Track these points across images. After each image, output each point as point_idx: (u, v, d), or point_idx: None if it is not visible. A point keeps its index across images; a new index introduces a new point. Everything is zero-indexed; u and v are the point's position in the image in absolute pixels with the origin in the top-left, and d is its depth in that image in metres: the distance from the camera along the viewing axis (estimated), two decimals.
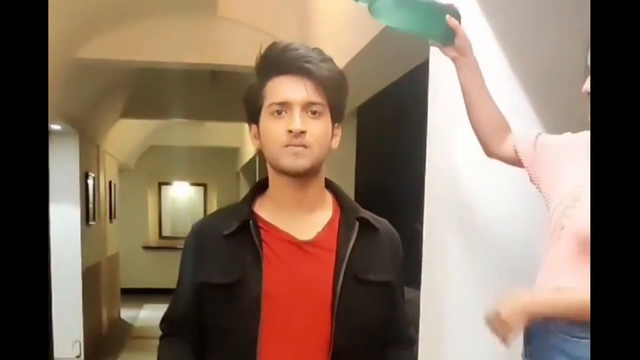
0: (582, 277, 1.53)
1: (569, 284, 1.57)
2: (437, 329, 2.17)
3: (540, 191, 1.79)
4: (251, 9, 4.97)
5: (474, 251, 2.11)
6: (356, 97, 4.24)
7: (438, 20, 1.76)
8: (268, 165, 1.49)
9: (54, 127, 6.27)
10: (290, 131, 1.39)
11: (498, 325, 1.57)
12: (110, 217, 9.42)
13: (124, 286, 10.69)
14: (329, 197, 1.54)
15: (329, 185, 1.55)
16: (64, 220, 6.59)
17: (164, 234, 13.23)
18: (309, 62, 1.41)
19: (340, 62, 3.34)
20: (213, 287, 1.45)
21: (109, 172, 9.17)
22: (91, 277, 7.65)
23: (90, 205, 7.59)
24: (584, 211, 1.56)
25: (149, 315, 9.84)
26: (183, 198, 13.37)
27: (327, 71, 1.42)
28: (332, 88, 1.43)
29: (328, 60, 1.45)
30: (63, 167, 6.61)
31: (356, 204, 1.58)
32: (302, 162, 1.41)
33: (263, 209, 1.51)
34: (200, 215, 11.04)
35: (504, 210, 2.10)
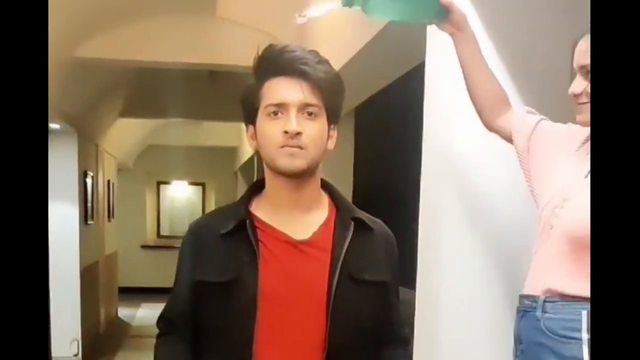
0: (572, 276, 1.55)
1: (559, 283, 1.58)
2: (432, 329, 2.19)
3: (529, 186, 1.79)
4: (250, 10, 4.98)
5: (470, 251, 2.12)
6: (354, 98, 4.25)
7: (430, 1, 1.76)
8: (264, 166, 1.51)
9: (53, 126, 6.28)
10: (286, 132, 1.41)
11: None
12: (109, 216, 9.42)
13: (121, 285, 10.70)
14: (324, 198, 1.55)
15: (325, 185, 1.57)
16: (62, 219, 6.59)
17: (162, 233, 13.25)
18: (305, 64, 1.43)
19: (339, 63, 3.38)
20: (210, 285, 1.47)
21: (107, 171, 9.18)
22: (89, 276, 7.66)
23: (89, 204, 7.59)
24: (573, 211, 1.57)
25: (146, 314, 9.84)
26: (181, 197, 13.38)
27: (323, 73, 1.44)
28: (328, 90, 1.45)
29: (324, 62, 1.46)
30: (62, 166, 6.61)
31: (351, 204, 1.59)
32: (298, 162, 1.42)
33: (259, 209, 1.52)
34: (198, 215, 11.02)
35: (500, 211, 2.11)
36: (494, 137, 2.03)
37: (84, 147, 7.30)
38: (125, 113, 8.34)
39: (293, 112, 1.42)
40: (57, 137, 6.48)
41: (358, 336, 1.49)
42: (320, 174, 1.53)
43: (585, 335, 1.51)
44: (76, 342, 7.13)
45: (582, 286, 1.53)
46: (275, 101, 1.43)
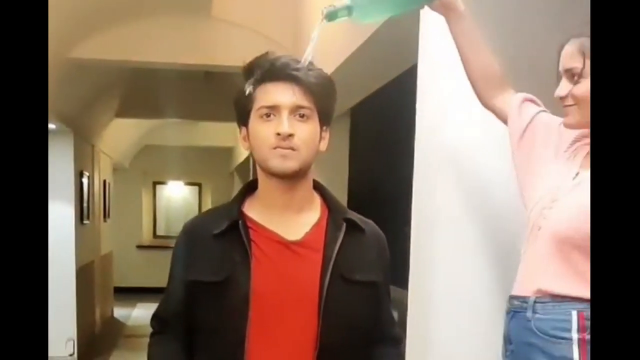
0: (562, 277, 1.57)
1: (549, 284, 1.60)
2: (424, 329, 2.20)
3: (518, 183, 1.80)
4: (245, 11, 5.00)
5: (462, 251, 2.13)
6: (349, 99, 4.26)
7: None
8: (257, 167, 1.53)
9: (49, 126, 6.28)
10: (278, 134, 1.43)
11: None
12: (105, 216, 9.42)
13: (117, 285, 10.70)
14: (317, 199, 1.57)
15: (317, 186, 1.59)
16: (58, 218, 6.59)
17: (158, 233, 13.23)
18: (297, 70, 1.45)
19: (334, 64, 3.39)
20: (203, 285, 1.49)
21: (103, 171, 9.19)
22: (85, 275, 7.66)
23: (85, 204, 7.60)
24: (560, 212, 1.59)
25: (142, 314, 9.84)
26: (178, 197, 13.37)
27: (314, 78, 1.46)
28: (320, 93, 1.47)
29: (315, 69, 1.49)
30: (58, 165, 6.61)
31: (343, 205, 1.62)
32: (289, 164, 1.45)
33: (252, 210, 1.54)
34: (194, 215, 11.03)
35: (492, 211, 2.12)
36: (487, 137, 2.05)
37: (80, 147, 7.31)
38: (121, 113, 8.34)
39: (285, 114, 1.44)
40: (53, 137, 6.47)
41: (349, 335, 1.50)
42: (313, 175, 1.55)
43: (575, 335, 1.53)
44: (72, 342, 7.13)
45: (572, 286, 1.55)
46: (267, 103, 1.45)
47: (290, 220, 1.52)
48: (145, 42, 5.23)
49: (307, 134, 1.46)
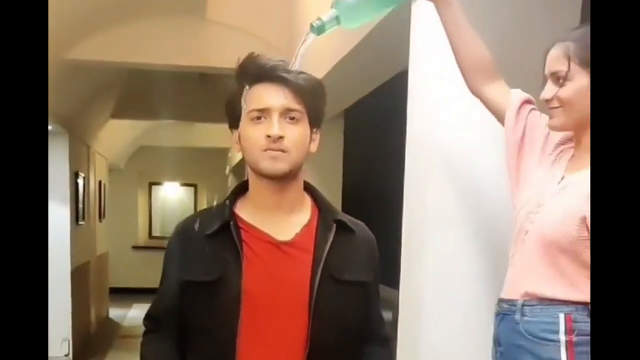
0: (549, 280, 1.59)
1: (536, 287, 1.62)
2: (415, 329, 2.21)
3: (509, 182, 1.80)
4: (240, 13, 5.01)
5: (453, 252, 2.14)
6: (343, 101, 4.28)
7: None
8: (248, 168, 1.55)
9: None
10: (268, 136, 1.45)
11: None
12: (100, 217, 9.43)
13: (113, 285, 10.70)
14: (307, 200, 1.60)
15: (308, 188, 1.61)
16: (53, 219, 6.56)
17: (154, 234, 13.22)
18: (287, 72, 1.48)
19: (327, 67, 3.41)
20: (195, 285, 1.51)
21: (99, 172, 9.18)
22: (80, 276, 7.66)
23: (80, 205, 7.60)
24: (547, 215, 1.61)
25: (137, 315, 9.82)
26: (173, 198, 13.37)
27: (304, 80, 1.49)
28: (310, 95, 1.50)
29: (305, 73, 1.51)
30: (53, 166, 6.60)
31: (334, 206, 1.63)
32: (280, 165, 1.47)
33: (243, 210, 1.56)
34: None
35: (484, 212, 2.13)
36: (477, 139, 2.06)
37: (76, 148, 7.31)
38: (116, 114, 8.35)
39: (275, 116, 1.46)
40: (49, 138, 6.49)
41: (339, 335, 1.52)
42: (304, 176, 1.57)
43: (562, 338, 1.55)
44: (67, 342, 7.12)
45: (559, 290, 1.57)
46: (258, 106, 1.47)
47: (281, 221, 1.54)
48: (141, 44, 5.25)
49: (297, 136, 1.48)
